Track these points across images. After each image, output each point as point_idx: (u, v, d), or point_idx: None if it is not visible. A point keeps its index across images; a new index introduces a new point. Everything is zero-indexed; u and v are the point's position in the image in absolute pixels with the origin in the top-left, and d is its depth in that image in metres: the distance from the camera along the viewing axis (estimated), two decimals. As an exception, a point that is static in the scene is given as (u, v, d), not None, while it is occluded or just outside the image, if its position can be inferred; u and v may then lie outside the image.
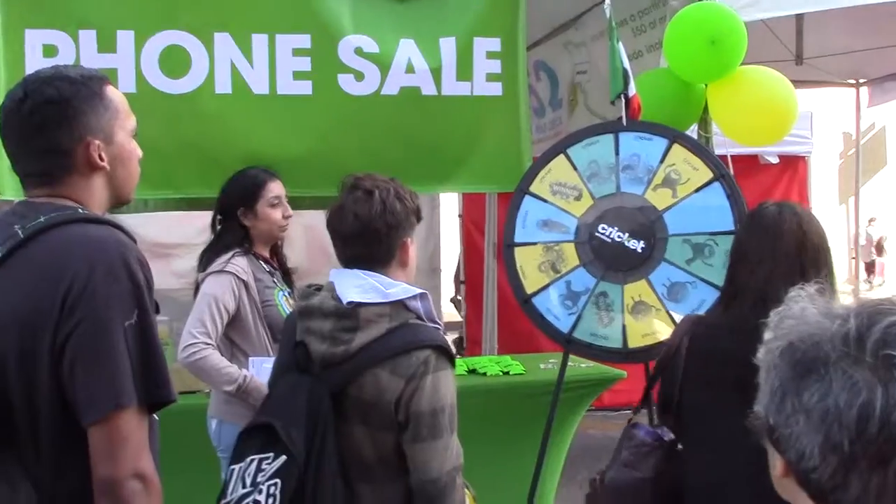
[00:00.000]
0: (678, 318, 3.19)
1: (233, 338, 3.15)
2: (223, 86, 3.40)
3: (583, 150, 3.42)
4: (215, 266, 3.11)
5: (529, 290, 3.37)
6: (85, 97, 1.66)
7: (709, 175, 3.29)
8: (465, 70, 3.57)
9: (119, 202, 1.77)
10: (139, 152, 1.78)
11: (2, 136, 1.70)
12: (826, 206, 11.55)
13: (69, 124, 1.64)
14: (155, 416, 1.65)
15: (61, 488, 1.55)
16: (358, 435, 2.05)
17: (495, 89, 3.61)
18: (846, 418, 0.90)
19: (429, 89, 3.53)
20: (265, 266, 3.26)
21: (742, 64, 3.55)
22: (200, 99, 3.38)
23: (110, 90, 1.72)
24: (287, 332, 2.24)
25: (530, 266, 3.38)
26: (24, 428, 1.54)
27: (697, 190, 3.29)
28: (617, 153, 3.37)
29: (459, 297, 7.82)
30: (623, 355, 3.32)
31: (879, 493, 0.91)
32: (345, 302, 2.05)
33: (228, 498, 1.99)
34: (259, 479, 1.95)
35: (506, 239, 3.43)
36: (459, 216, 7.41)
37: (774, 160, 7.30)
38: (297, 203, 4.44)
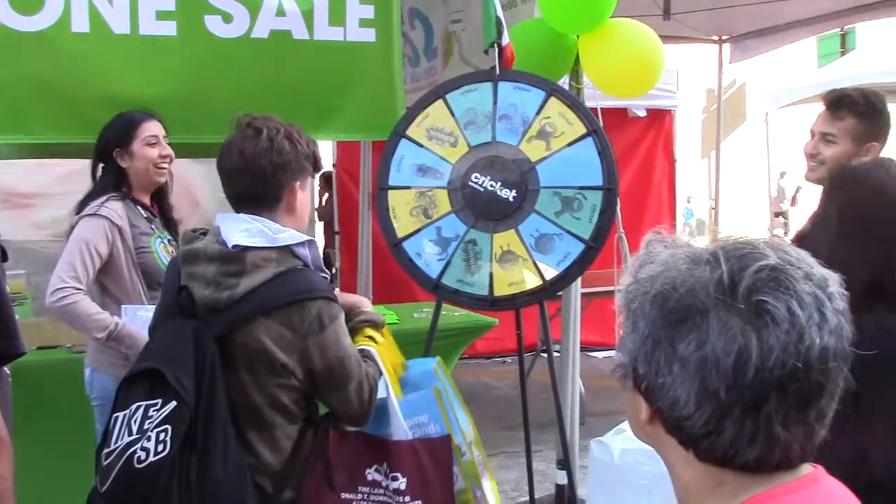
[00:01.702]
0: (544, 268, 3.26)
1: (105, 284, 3.05)
2: (80, 24, 3.20)
3: (461, 97, 3.40)
4: (88, 209, 3.00)
5: (400, 234, 3.36)
6: None
7: (582, 130, 3.33)
8: (337, 14, 3.48)
9: None
10: None
11: None
12: (689, 160, 11.98)
13: None
14: (6, 369, 1.57)
15: None
16: (245, 381, 2.03)
17: (368, 35, 3.54)
18: (723, 366, 0.91)
19: (300, 33, 3.43)
20: (143, 212, 3.15)
21: (612, 17, 3.61)
22: (55, 37, 3.18)
23: None
24: (170, 276, 2.16)
25: (402, 210, 3.37)
26: None
27: (570, 144, 3.33)
28: (495, 102, 3.37)
29: (333, 249, 7.75)
30: (489, 303, 3.35)
31: (752, 436, 0.93)
32: (230, 245, 2.00)
33: (113, 446, 1.93)
34: (147, 426, 1.89)
35: (379, 182, 3.40)
36: (333, 165, 7.31)
37: (642, 113, 7.51)
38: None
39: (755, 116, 11.95)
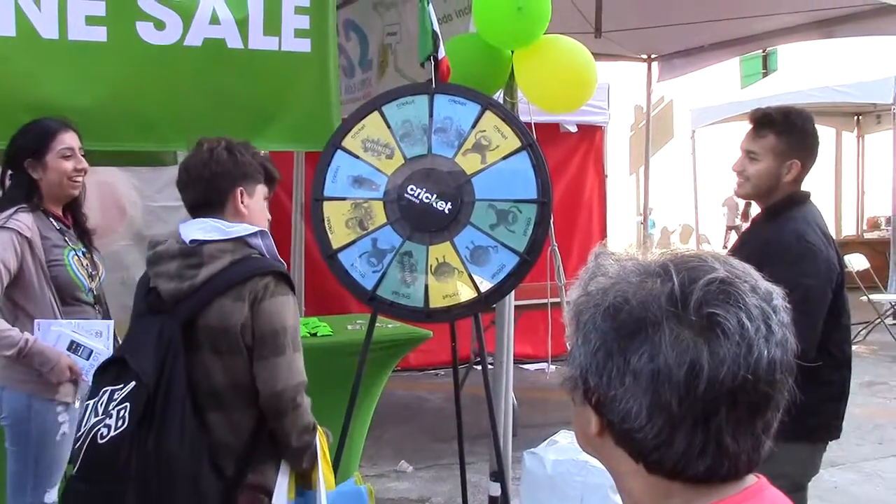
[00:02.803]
0: (479, 280, 3.28)
1: (16, 299, 2.93)
2: (6, 27, 3.11)
3: (397, 109, 3.41)
4: None
5: (336, 244, 3.35)
6: None
7: (517, 143, 3.36)
8: (272, 24, 3.45)
9: None
10: None
11: None
12: (618, 176, 12.20)
13: None
14: None
15: None
16: (209, 363, 2.19)
17: (304, 46, 3.52)
18: (675, 378, 0.91)
19: (234, 42, 3.39)
20: (55, 223, 3.04)
21: (546, 34, 3.65)
22: (19, 43, 3.09)
23: None
24: (141, 284, 2.32)
25: (338, 221, 3.35)
26: None
27: (505, 157, 3.36)
28: (431, 115, 3.39)
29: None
30: (424, 314, 3.36)
31: (703, 448, 0.94)
32: (188, 241, 2.20)
33: (82, 430, 2.09)
34: (110, 407, 2.06)
35: (314, 192, 3.38)
36: (265, 176, 7.23)
37: (573, 129, 7.62)
38: (90, 158, 4.17)
39: (682, 134, 12.23)
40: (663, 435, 0.94)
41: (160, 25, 3.30)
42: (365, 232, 3.35)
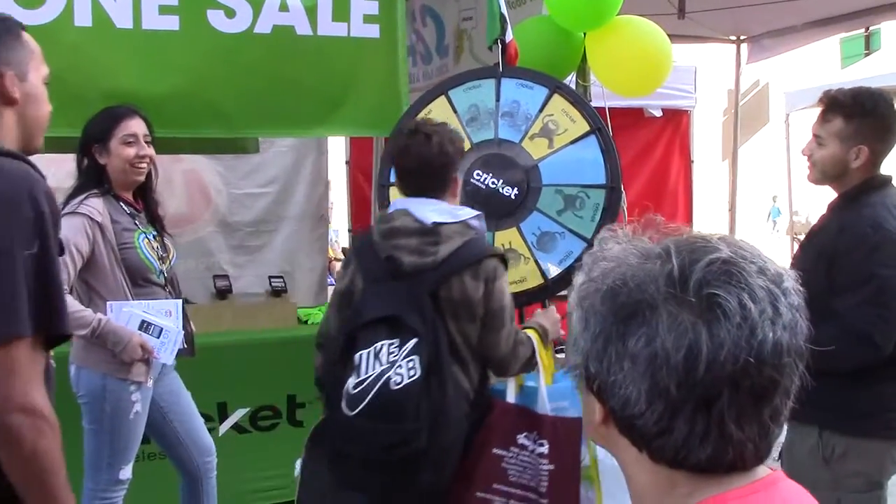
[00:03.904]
0: (546, 266, 3.22)
1: (89, 281, 3.03)
2: (83, 18, 3.21)
3: (464, 94, 3.38)
4: (68, 208, 2.97)
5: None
6: (3, 30, 1.69)
7: (585, 128, 3.29)
8: (341, 10, 3.46)
9: (28, 147, 1.74)
10: (49, 106, 1.81)
11: None
12: (709, 162, 11.89)
13: None
14: (52, 362, 1.61)
15: None
16: (449, 326, 2.52)
17: (373, 31, 3.52)
18: (673, 361, 0.88)
19: (303, 29, 3.42)
20: (125, 208, 3.12)
21: (624, 15, 3.57)
22: (58, 31, 3.19)
23: (26, 35, 1.78)
24: (364, 251, 2.62)
25: None
26: None
27: (573, 142, 3.29)
28: (497, 99, 3.34)
29: (346, 246, 7.75)
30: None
31: (704, 435, 0.90)
32: (429, 223, 2.52)
33: (363, 376, 2.36)
34: (393, 359, 2.36)
35: (381, 178, 3.38)
36: (347, 163, 7.30)
37: (658, 113, 7.43)
38: (176, 146, 4.28)
39: (777, 119, 11.83)
40: (664, 421, 0.90)
41: (230, 13, 3.35)
42: (428, 219, 3.33)
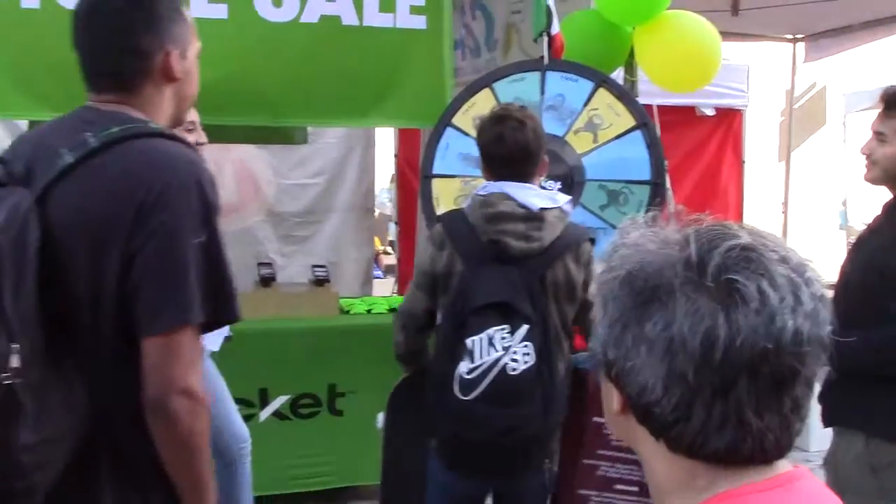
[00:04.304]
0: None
1: None
2: None
3: (508, 86, 3.37)
4: None
5: (444, 222, 3.34)
6: (167, 7, 1.67)
7: (631, 122, 3.26)
8: (388, 1, 3.47)
9: (176, 122, 1.76)
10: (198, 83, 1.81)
11: (80, 30, 1.68)
12: (765, 163, 11.66)
13: (154, 29, 1.63)
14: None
15: (117, 398, 1.54)
16: (553, 310, 2.58)
17: (419, 23, 3.52)
18: (690, 346, 0.87)
19: (350, 19, 3.43)
20: None
21: (676, 10, 3.52)
22: None
23: (185, 11, 1.77)
24: (457, 234, 2.61)
25: (447, 199, 3.34)
26: (86, 337, 1.53)
27: (618, 136, 3.27)
28: (542, 92, 3.33)
29: (393, 239, 7.78)
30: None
31: (721, 424, 0.89)
32: (536, 208, 2.54)
33: (478, 363, 2.40)
34: (507, 345, 2.41)
35: (424, 170, 3.39)
36: (395, 155, 7.33)
37: (710, 112, 7.32)
38: (226, 136, 4.33)
39: (834, 121, 11.57)
40: (681, 408, 0.89)
41: (278, 2, 3.38)
42: (469, 208, 3.32)
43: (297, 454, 4.08)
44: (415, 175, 6.69)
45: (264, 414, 3.99)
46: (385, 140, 7.49)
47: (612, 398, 0.97)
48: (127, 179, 1.52)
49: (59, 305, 1.51)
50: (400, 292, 7.01)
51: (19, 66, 3.22)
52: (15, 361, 1.40)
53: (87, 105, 1.66)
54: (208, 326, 1.59)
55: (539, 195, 2.61)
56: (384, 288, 8.18)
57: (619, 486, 2.71)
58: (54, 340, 1.49)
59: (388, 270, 9.77)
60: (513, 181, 2.61)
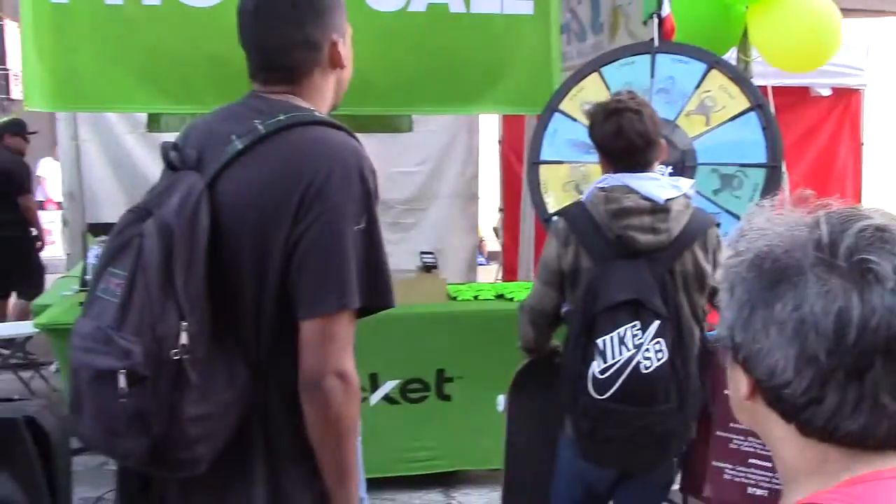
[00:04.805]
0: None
1: None
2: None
3: (617, 71, 3.33)
4: None
5: (552, 208, 3.33)
6: None
7: (745, 104, 3.18)
8: (495, -13, 3.48)
9: (334, 107, 1.80)
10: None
11: (248, 27, 1.70)
12: (885, 146, 11.16)
13: (321, 20, 1.67)
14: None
15: (274, 376, 1.60)
16: (683, 301, 2.53)
17: (526, 8, 3.51)
18: (822, 327, 0.85)
19: (457, 6, 3.45)
20: None
21: (793, -13, 3.41)
22: (223, 13, 3.34)
23: None
24: (581, 230, 2.57)
25: (555, 185, 3.33)
26: (248, 318, 1.59)
27: (732, 119, 3.19)
28: (652, 75, 3.27)
29: (497, 226, 7.79)
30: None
31: (856, 406, 0.87)
32: (661, 200, 2.47)
33: (610, 362, 2.40)
34: (638, 343, 2.39)
35: (531, 156, 3.38)
36: (499, 142, 7.32)
37: (826, 92, 7.05)
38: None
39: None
40: (813, 390, 0.87)
41: (386, -7, 3.42)
42: (581, 196, 3.30)
43: (407, 438, 4.14)
44: (519, 161, 6.68)
45: (375, 398, 4.07)
46: (489, 126, 7.49)
47: (739, 382, 0.96)
48: (291, 167, 1.56)
49: (224, 285, 1.57)
50: (505, 279, 7.02)
51: (143, 62, 3.36)
52: (184, 338, 1.47)
53: (255, 93, 1.70)
54: (364, 312, 1.63)
55: (662, 185, 2.54)
56: (487, 275, 8.20)
57: (752, 461, 2.67)
58: (219, 319, 1.55)
59: (490, 257, 9.80)
60: (631, 171, 2.55)
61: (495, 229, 8.39)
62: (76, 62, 3.37)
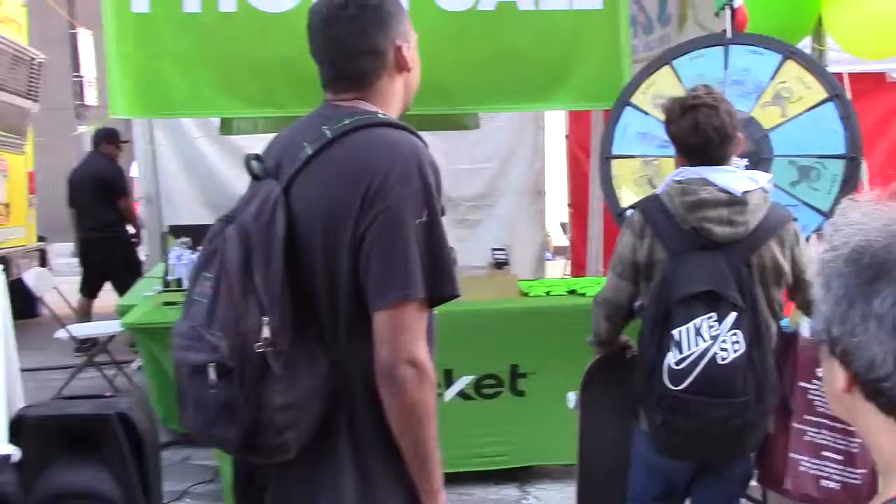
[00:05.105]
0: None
1: None
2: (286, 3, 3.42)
3: (689, 63, 3.30)
4: None
5: (625, 203, 3.32)
6: (393, 4, 1.77)
7: (822, 94, 3.13)
8: (563, -17, 3.48)
9: (404, 109, 1.86)
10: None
11: (318, 42, 1.78)
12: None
13: (385, 27, 1.74)
14: (435, 311, 1.75)
15: (352, 365, 1.68)
16: (760, 294, 2.52)
17: (595, 3, 3.51)
18: None
19: (526, 3, 3.46)
20: None
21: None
22: (297, 17, 3.40)
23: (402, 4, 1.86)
24: (656, 222, 2.57)
25: (627, 179, 3.32)
26: (325, 311, 1.68)
27: (809, 109, 3.15)
28: (725, 67, 3.24)
29: (565, 221, 7.76)
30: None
31: None
32: (738, 193, 2.47)
33: (686, 353, 2.42)
34: (714, 334, 2.40)
35: (603, 151, 3.37)
36: (566, 137, 7.30)
37: (903, 78, 6.86)
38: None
39: None
40: None
41: (455, -8, 3.45)
42: (654, 190, 3.28)
43: (481, 433, 4.17)
44: (586, 156, 6.66)
45: (449, 394, 4.10)
46: (555, 122, 7.47)
47: (835, 376, 0.96)
48: (356, 166, 1.64)
49: (302, 282, 1.66)
50: (573, 275, 7.00)
51: (220, 68, 3.45)
52: (266, 332, 1.57)
53: (327, 103, 1.78)
54: (434, 301, 1.69)
55: (739, 177, 2.52)
56: (554, 270, 8.19)
57: (825, 454, 2.66)
58: (299, 313, 1.65)
59: (557, 252, 9.77)
60: (709, 164, 2.54)
61: (563, 224, 8.37)
62: (157, 70, 3.48)
